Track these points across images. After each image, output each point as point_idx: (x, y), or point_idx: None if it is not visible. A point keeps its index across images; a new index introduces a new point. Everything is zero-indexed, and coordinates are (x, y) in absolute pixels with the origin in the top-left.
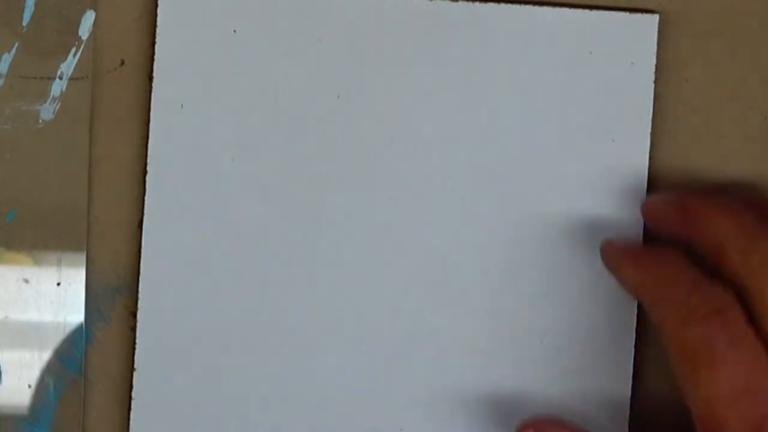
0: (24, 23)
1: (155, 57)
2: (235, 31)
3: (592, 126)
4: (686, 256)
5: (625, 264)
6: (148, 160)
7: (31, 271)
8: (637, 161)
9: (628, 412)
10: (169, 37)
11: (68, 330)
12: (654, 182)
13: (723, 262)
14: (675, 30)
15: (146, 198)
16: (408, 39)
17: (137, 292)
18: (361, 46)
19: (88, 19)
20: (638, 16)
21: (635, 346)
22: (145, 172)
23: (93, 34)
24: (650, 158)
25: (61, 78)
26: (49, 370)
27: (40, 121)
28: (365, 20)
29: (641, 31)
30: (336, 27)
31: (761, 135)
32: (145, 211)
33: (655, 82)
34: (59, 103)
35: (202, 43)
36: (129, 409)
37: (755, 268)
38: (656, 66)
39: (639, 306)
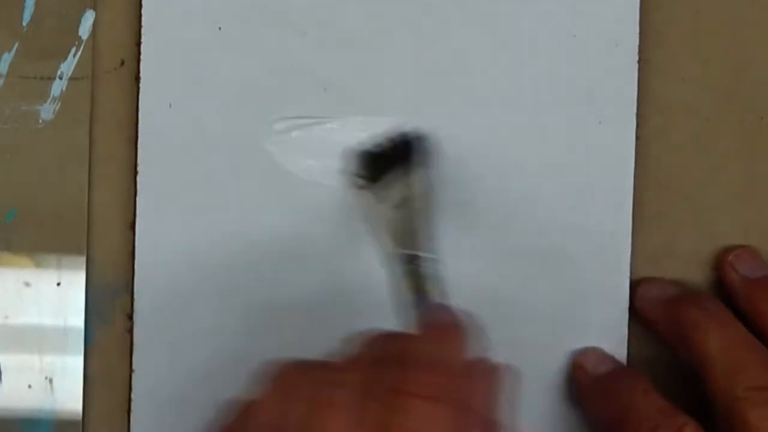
0: (24, 23)
1: (141, 57)
2: (220, 28)
3: (578, 108)
4: (650, 380)
5: (593, 398)
6: (138, 161)
7: (31, 272)
8: (624, 142)
9: None
10: (155, 36)
11: (68, 330)
12: (651, 183)
13: (709, 378)
14: (671, 30)
15: (137, 199)
16: (392, 30)
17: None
18: (346, 38)
19: (88, 19)
20: None
21: (629, 323)
22: (136, 173)
23: (93, 34)
24: (646, 158)
25: (61, 78)
26: (49, 370)
27: (40, 121)
28: (349, 12)
29: (623, 10)
30: (320, 20)
31: (757, 135)
32: (137, 212)
33: (651, 81)
34: (59, 103)
35: (187, 42)
36: (129, 409)
37: (739, 397)
38: (653, 66)
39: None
